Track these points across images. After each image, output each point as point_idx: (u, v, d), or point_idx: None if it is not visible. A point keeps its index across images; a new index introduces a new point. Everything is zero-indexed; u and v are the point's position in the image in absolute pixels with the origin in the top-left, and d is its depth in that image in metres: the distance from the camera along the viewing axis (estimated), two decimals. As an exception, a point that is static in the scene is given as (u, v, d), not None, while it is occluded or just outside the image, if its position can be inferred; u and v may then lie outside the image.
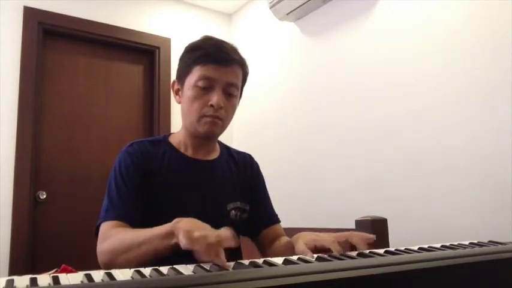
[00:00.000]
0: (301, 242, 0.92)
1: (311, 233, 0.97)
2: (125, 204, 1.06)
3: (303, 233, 1.00)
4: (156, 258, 0.84)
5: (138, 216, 1.06)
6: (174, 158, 1.17)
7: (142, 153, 1.14)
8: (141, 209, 1.07)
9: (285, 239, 1.18)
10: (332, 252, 0.81)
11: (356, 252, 0.80)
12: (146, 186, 1.10)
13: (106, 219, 1.04)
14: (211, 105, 1.09)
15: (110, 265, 0.94)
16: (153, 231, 0.89)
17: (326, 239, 0.87)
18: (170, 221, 0.92)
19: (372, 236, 0.89)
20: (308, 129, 2.62)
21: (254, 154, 1.35)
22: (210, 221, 1.16)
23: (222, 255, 0.70)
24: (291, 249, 0.98)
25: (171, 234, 0.84)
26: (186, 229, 0.77)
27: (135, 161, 1.11)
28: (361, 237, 0.88)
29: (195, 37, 1.18)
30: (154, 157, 1.15)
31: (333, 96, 2.47)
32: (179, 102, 1.19)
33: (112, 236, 0.98)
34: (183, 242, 0.75)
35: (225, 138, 1.28)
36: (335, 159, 2.40)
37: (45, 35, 2.74)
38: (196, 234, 0.75)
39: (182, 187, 1.14)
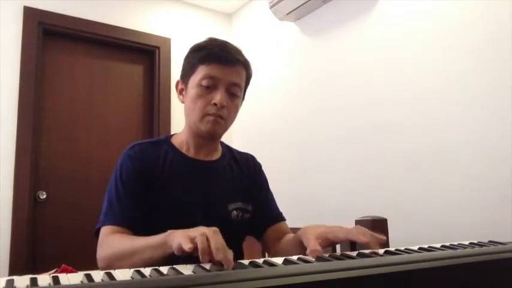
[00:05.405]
0: (311, 236, 0.86)
1: (318, 225, 0.95)
2: (123, 208, 1.07)
3: (308, 227, 0.97)
4: (150, 266, 0.83)
5: (136, 220, 1.06)
6: (176, 159, 1.17)
7: (142, 156, 1.14)
8: (140, 212, 1.08)
9: (291, 236, 1.16)
10: (361, 243, 0.79)
11: (356, 252, 0.80)
12: (147, 188, 1.11)
13: (105, 223, 1.06)
14: (214, 104, 1.10)
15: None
16: (147, 241, 0.90)
17: (338, 230, 0.85)
18: (173, 222, 0.91)
19: (384, 238, 0.83)
20: (308, 129, 2.62)
21: (253, 153, 1.36)
22: (211, 221, 1.16)
23: (230, 255, 0.69)
24: (297, 246, 0.96)
25: (163, 244, 0.84)
26: (184, 234, 0.77)
27: (135, 164, 1.12)
28: (372, 236, 0.82)
29: (195, 37, 1.19)
30: (155, 159, 1.15)
31: (333, 96, 2.47)
32: (183, 102, 1.19)
33: (109, 242, 1.01)
34: (186, 246, 0.74)
35: (224, 137, 1.28)
36: (335, 159, 2.40)
37: (45, 35, 2.74)
38: (195, 234, 0.74)
39: (183, 188, 1.14)
